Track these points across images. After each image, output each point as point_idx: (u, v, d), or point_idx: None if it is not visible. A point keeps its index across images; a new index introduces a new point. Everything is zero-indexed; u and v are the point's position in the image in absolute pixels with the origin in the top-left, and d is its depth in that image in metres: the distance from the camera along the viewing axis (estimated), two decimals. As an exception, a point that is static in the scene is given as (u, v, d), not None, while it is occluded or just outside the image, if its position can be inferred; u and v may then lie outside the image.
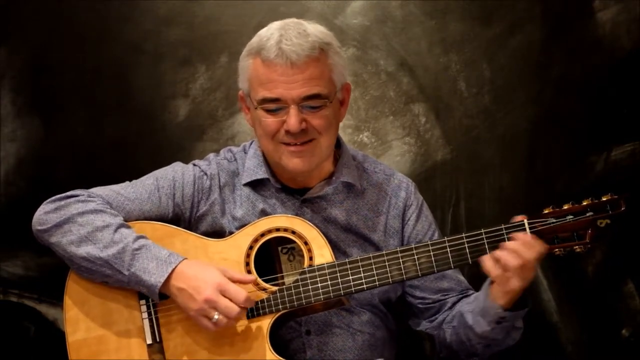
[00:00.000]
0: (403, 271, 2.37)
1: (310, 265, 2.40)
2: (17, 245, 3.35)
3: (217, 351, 2.39)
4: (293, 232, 2.42)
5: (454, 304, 2.54)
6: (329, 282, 2.38)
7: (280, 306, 2.38)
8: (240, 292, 2.32)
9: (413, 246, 2.37)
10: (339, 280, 2.38)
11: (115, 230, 2.39)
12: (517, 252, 2.26)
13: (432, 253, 2.36)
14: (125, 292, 2.42)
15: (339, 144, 2.57)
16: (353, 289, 2.38)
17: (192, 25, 3.36)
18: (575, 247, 2.31)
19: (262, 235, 2.43)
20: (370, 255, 2.38)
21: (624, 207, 2.29)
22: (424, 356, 3.29)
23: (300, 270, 2.40)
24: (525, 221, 2.31)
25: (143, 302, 2.42)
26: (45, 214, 2.43)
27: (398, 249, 2.37)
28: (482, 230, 2.33)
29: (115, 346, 2.41)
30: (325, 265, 2.39)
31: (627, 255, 3.19)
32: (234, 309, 2.31)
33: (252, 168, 2.53)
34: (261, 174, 2.51)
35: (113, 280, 2.39)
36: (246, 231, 2.44)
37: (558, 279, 3.25)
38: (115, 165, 3.34)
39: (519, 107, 3.27)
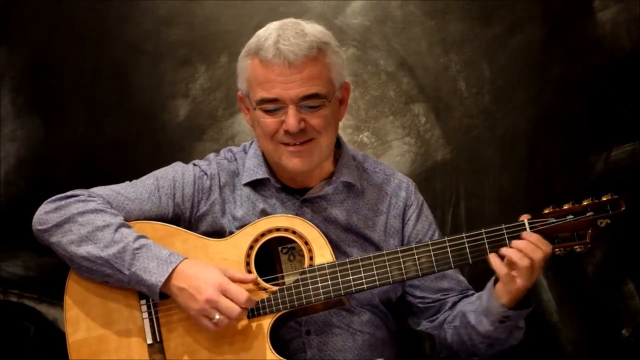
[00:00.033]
0: (403, 271, 2.37)
1: (311, 265, 2.40)
2: (17, 245, 3.35)
3: (217, 351, 2.39)
4: (293, 232, 2.42)
5: (455, 303, 2.54)
6: (329, 282, 2.38)
7: (281, 306, 2.38)
8: (242, 293, 2.32)
9: (413, 246, 2.37)
10: (340, 280, 2.38)
11: (116, 230, 2.39)
12: (524, 251, 2.26)
13: (432, 253, 2.36)
14: (125, 291, 2.42)
15: (339, 144, 2.57)
16: (353, 288, 2.38)
17: (192, 25, 3.36)
18: (575, 247, 2.32)
19: (263, 235, 2.43)
20: (371, 255, 2.38)
21: (624, 207, 2.29)
22: (424, 356, 3.29)
23: (301, 270, 2.40)
24: (526, 221, 2.31)
25: (143, 301, 2.42)
26: (45, 214, 2.43)
27: (398, 249, 2.38)
28: (483, 230, 2.33)
29: (115, 346, 2.41)
30: (326, 265, 2.39)
31: (627, 255, 3.19)
32: (235, 309, 2.31)
33: (252, 168, 2.53)
34: (261, 173, 2.51)
35: (113, 279, 2.39)
36: (246, 231, 2.44)
37: (558, 279, 3.25)
38: (115, 165, 3.34)
39: (519, 107, 3.27)
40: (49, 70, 3.40)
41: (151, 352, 2.41)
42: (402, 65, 3.31)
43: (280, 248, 2.46)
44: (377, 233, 2.53)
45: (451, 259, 2.35)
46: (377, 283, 2.38)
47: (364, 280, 2.37)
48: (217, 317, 2.31)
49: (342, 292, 2.38)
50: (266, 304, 2.39)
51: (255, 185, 2.52)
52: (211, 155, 2.60)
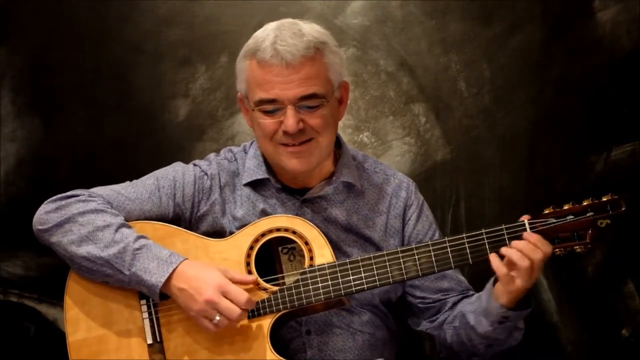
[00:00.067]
0: (404, 271, 2.37)
1: (311, 265, 2.40)
2: (17, 245, 3.35)
3: (217, 351, 2.39)
4: (294, 232, 2.42)
5: (455, 304, 2.54)
6: (329, 282, 2.38)
7: (281, 306, 2.38)
8: (242, 294, 2.32)
9: (414, 246, 2.37)
10: (340, 280, 2.38)
11: (116, 230, 2.39)
12: (524, 251, 2.26)
13: (432, 253, 2.36)
14: (125, 292, 2.42)
15: (339, 144, 2.57)
16: (354, 289, 2.38)
17: (192, 25, 3.36)
18: (575, 247, 2.31)
19: (263, 235, 2.43)
20: (371, 255, 2.38)
21: (624, 207, 2.29)
22: (424, 356, 3.29)
23: (301, 270, 2.40)
24: (526, 221, 2.31)
25: (144, 302, 2.42)
26: (46, 214, 2.43)
27: (399, 249, 2.37)
28: (483, 231, 2.33)
29: (115, 346, 2.41)
30: (326, 265, 2.39)
31: (627, 255, 3.19)
32: (235, 310, 2.31)
33: (253, 168, 2.53)
34: (261, 174, 2.51)
35: (114, 280, 2.39)
36: (247, 231, 2.44)
37: (558, 279, 3.25)
38: (115, 165, 3.34)
39: (519, 107, 3.27)
40: (49, 70, 3.40)
41: (151, 352, 2.41)
42: (402, 65, 3.31)
43: (280, 248, 2.46)
44: (378, 233, 2.53)
45: (451, 259, 2.35)
46: (378, 283, 2.38)
47: (364, 281, 2.37)
48: (217, 318, 2.31)
49: (342, 292, 2.38)
50: (266, 304, 2.38)
51: (256, 185, 2.52)
52: (211, 156, 2.60)
